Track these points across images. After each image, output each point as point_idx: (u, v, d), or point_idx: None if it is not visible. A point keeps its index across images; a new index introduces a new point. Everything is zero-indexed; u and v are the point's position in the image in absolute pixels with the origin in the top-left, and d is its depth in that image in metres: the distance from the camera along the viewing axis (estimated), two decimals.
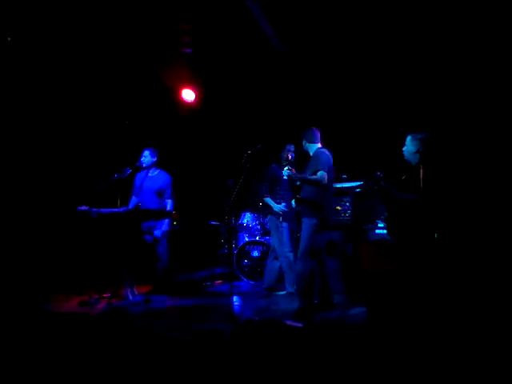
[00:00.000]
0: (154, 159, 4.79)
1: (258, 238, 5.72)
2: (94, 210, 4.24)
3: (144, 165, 4.74)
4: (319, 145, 4.06)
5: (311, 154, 4.03)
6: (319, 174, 3.81)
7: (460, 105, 4.52)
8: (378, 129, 5.08)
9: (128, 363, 2.75)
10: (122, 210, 4.26)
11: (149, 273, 4.62)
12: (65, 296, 4.62)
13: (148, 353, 2.91)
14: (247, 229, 6.00)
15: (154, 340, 3.16)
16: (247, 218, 6.03)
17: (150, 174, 4.80)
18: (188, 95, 5.91)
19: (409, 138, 3.50)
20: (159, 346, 3.04)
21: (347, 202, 4.68)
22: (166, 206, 4.73)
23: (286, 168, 3.83)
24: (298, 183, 4.02)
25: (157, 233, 4.60)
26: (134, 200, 4.82)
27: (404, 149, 3.53)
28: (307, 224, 3.84)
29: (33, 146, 5.44)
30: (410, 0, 4.23)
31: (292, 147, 4.83)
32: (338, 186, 4.77)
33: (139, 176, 4.86)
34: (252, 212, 6.04)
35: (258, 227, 5.93)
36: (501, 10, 3.97)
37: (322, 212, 3.88)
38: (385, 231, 4.36)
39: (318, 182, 3.83)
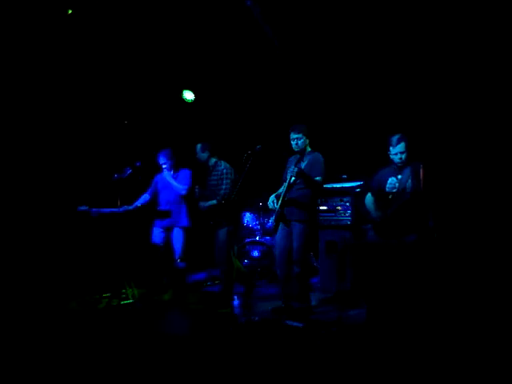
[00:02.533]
0: (173, 160, 4.73)
1: (258, 238, 5.72)
2: (94, 210, 4.24)
3: (167, 170, 4.69)
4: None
5: (305, 153, 3.93)
6: (319, 179, 3.81)
7: (455, 105, 4.53)
8: (378, 129, 5.07)
9: (128, 363, 2.76)
10: (121, 209, 4.27)
11: (149, 273, 4.62)
12: (65, 296, 4.61)
13: (148, 353, 2.91)
14: (247, 229, 6.00)
15: (154, 340, 3.16)
16: (247, 218, 6.04)
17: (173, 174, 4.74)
18: (188, 95, 5.91)
19: (404, 145, 3.48)
20: (159, 346, 3.04)
21: (347, 202, 4.68)
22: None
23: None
24: (292, 180, 3.84)
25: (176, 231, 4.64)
26: (145, 197, 4.73)
27: (402, 155, 3.49)
28: (302, 227, 3.78)
29: (33, 145, 5.43)
30: (404, 2, 4.25)
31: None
32: (338, 186, 4.77)
33: (160, 177, 4.79)
34: (252, 212, 6.04)
35: (258, 227, 5.94)
36: (494, 10, 3.98)
37: (315, 214, 3.92)
38: None
39: (318, 186, 3.84)
